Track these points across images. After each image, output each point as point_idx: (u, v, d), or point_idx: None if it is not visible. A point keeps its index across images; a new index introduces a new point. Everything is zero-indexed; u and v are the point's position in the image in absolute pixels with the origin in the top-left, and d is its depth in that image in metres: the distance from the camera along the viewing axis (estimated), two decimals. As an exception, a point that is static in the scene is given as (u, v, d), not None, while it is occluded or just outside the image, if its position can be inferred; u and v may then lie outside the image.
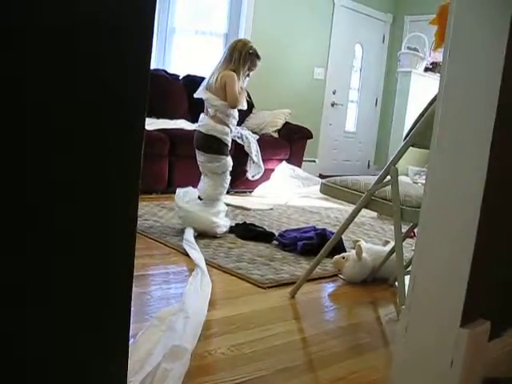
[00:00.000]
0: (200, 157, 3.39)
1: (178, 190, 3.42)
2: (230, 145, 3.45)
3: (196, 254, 2.77)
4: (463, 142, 1.42)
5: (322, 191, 2.43)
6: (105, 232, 0.91)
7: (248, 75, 3.51)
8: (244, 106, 3.49)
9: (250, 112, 6.06)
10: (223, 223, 3.38)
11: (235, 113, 3.43)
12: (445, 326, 1.45)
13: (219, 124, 3.36)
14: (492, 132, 1.35)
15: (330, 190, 2.37)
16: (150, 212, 3.78)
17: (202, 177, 3.44)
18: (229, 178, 3.47)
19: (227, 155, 3.42)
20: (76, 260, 0.88)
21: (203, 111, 3.44)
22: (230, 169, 3.46)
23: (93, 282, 0.91)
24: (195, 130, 3.49)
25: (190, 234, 3.15)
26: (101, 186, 0.89)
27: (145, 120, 0.95)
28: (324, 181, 2.44)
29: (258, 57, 3.49)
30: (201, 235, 3.21)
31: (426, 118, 1.98)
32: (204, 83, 3.44)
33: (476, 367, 1.47)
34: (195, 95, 3.46)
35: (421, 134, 2.02)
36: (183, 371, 1.52)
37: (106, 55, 0.85)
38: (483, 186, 1.38)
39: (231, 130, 3.43)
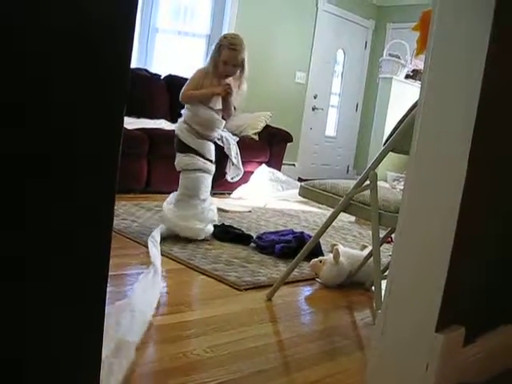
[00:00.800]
0: None
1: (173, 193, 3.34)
2: (190, 144, 3.24)
3: (155, 251, 2.76)
4: (442, 148, 1.43)
5: (300, 194, 2.43)
6: (79, 231, 0.90)
7: (238, 72, 3.27)
8: (216, 106, 3.28)
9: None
10: (195, 226, 3.19)
11: (201, 111, 3.24)
12: (420, 330, 1.46)
13: (181, 121, 3.28)
14: (471, 139, 1.36)
15: (309, 193, 2.37)
16: (128, 212, 3.75)
17: None
18: (191, 178, 3.23)
19: (182, 152, 3.25)
20: (51, 257, 0.87)
21: None
22: (189, 168, 3.23)
23: (67, 283, 0.90)
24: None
25: (157, 231, 3.12)
26: (75, 183, 0.88)
27: (123, 118, 0.93)
28: (303, 184, 2.44)
29: (228, 47, 3.21)
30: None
31: (406, 124, 1.99)
32: None
33: (450, 372, 1.47)
34: None
35: (401, 140, 2.03)
36: (126, 364, 1.51)
37: (84, 54, 0.84)
38: (461, 192, 1.39)
39: (196, 131, 3.23)
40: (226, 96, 3.24)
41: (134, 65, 5.74)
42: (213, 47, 3.28)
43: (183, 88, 3.22)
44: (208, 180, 3.31)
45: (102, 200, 0.92)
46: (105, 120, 0.90)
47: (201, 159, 3.25)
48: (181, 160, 3.25)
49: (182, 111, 3.29)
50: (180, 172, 3.26)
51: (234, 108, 3.41)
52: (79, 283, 0.91)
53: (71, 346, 0.92)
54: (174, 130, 3.43)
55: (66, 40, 0.82)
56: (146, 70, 5.53)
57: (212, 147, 3.34)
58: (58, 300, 0.89)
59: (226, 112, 3.34)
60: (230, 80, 3.25)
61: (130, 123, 4.64)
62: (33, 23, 0.78)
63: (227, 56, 3.20)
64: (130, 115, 4.71)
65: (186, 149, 3.24)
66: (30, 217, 0.83)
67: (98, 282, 0.95)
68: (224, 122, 3.38)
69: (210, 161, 3.31)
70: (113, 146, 0.92)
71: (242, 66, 3.26)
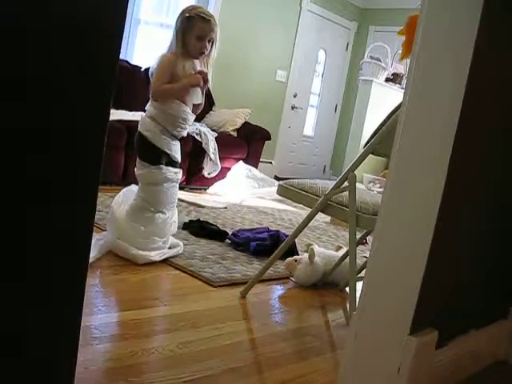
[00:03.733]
0: None
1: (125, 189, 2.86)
2: (163, 148, 2.68)
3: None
4: (424, 151, 1.43)
5: (278, 193, 2.43)
6: (63, 218, 0.88)
7: (206, 51, 2.70)
8: (199, 100, 2.78)
9: (210, 109, 6.03)
10: (150, 248, 2.62)
11: (174, 108, 2.67)
12: (394, 333, 1.46)
13: (147, 119, 2.69)
14: (453, 143, 1.37)
15: (287, 192, 2.37)
16: (103, 203, 3.71)
17: None
18: (157, 191, 2.69)
19: (152, 163, 2.67)
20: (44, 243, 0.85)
21: None
22: (159, 183, 2.69)
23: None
24: None
25: (94, 246, 2.50)
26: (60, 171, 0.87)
27: (109, 109, 0.92)
28: (281, 182, 2.44)
29: (202, 18, 2.63)
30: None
31: (388, 126, 2.00)
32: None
33: (423, 375, 1.48)
34: None
35: (382, 142, 2.04)
36: None
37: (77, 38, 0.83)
38: (440, 197, 1.40)
39: (167, 130, 2.68)
40: (204, 87, 2.74)
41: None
42: (178, 23, 2.65)
43: (153, 82, 2.65)
44: (176, 188, 2.79)
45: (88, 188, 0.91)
46: (91, 108, 0.89)
47: (171, 169, 2.71)
48: (149, 174, 2.66)
49: (147, 106, 2.71)
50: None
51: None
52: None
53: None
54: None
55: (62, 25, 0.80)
56: (126, 62, 5.49)
57: (179, 149, 2.80)
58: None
59: (199, 105, 2.83)
60: (197, 63, 2.72)
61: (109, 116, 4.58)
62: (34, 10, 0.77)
63: (201, 29, 2.63)
64: (108, 106, 4.66)
65: (156, 157, 2.66)
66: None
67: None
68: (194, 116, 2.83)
69: (180, 166, 2.81)
70: (98, 136, 0.91)
71: (213, 43, 2.72)
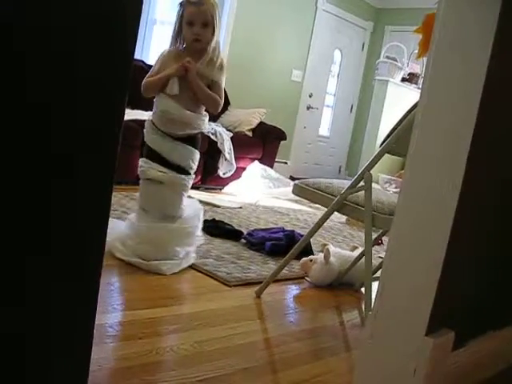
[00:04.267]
0: None
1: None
2: (150, 144, 2.61)
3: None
4: (440, 151, 1.42)
5: (294, 192, 2.42)
6: (79, 218, 0.88)
7: (200, 38, 2.49)
8: (173, 91, 2.50)
9: (226, 109, 6.03)
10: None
11: (158, 101, 2.57)
12: (410, 334, 1.45)
13: (148, 118, 2.68)
14: (470, 143, 1.36)
15: (303, 192, 2.36)
16: (119, 203, 3.73)
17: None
18: (141, 187, 2.65)
19: (142, 156, 2.66)
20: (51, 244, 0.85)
21: None
22: (141, 176, 2.62)
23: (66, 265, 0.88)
24: None
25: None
26: (76, 172, 0.87)
27: (124, 110, 0.92)
28: (297, 182, 2.43)
29: (191, 3, 2.48)
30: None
31: (405, 126, 1.98)
32: None
33: (438, 376, 1.47)
34: None
35: (398, 141, 2.02)
36: None
37: (88, 44, 0.83)
38: (458, 195, 1.38)
39: (157, 127, 2.58)
40: (186, 75, 2.47)
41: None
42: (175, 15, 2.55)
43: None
44: (167, 195, 2.55)
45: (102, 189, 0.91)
46: (106, 110, 0.89)
47: (155, 167, 2.53)
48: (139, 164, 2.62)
49: None
50: None
51: (216, 87, 2.56)
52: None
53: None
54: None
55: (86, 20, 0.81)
56: (142, 62, 5.50)
57: (181, 150, 2.56)
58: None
59: (199, 97, 2.54)
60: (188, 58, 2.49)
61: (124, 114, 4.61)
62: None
63: (191, 14, 2.47)
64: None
65: (147, 151, 2.62)
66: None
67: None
68: (197, 114, 2.57)
69: (177, 168, 2.55)
70: (113, 136, 0.91)
71: (212, 26, 2.49)
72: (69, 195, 0.87)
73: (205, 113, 2.63)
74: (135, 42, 0.89)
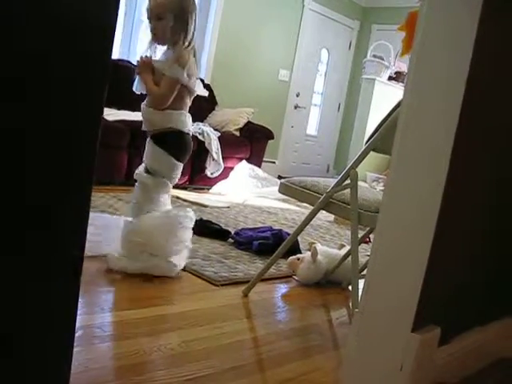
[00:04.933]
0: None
1: None
2: None
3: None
4: (424, 148, 1.43)
5: (280, 191, 2.42)
6: (57, 219, 0.88)
7: (156, 32, 2.47)
8: (135, 89, 2.54)
9: (213, 109, 6.03)
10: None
11: None
12: (396, 330, 1.46)
13: None
14: (453, 140, 1.37)
15: (289, 190, 2.36)
16: (106, 204, 3.72)
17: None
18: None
19: None
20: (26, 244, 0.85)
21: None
22: None
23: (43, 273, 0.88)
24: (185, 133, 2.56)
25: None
26: (53, 171, 0.86)
27: (102, 108, 0.92)
28: (283, 181, 2.43)
29: None
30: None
31: (389, 124, 1.99)
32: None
33: (425, 372, 1.48)
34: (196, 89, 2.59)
35: (382, 140, 2.03)
36: None
37: (64, 42, 0.83)
38: (441, 194, 1.39)
39: None
40: (140, 73, 2.48)
41: (116, 56, 5.70)
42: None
43: None
44: (138, 194, 2.51)
45: (79, 189, 0.90)
46: (82, 108, 0.88)
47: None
48: None
49: None
50: None
51: (162, 81, 2.43)
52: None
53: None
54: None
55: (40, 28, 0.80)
56: (128, 62, 5.49)
57: (148, 148, 2.52)
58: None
59: (148, 93, 2.49)
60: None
61: (111, 114, 4.60)
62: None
63: (147, 7, 2.43)
64: (110, 106, 4.67)
65: None
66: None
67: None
68: (148, 108, 2.49)
69: (147, 170, 2.51)
70: (90, 136, 0.90)
71: (168, 19, 2.40)
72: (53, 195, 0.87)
73: (176, 111, 2.49)
74: (112, 39, 0.88)
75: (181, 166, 2.55)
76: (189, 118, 2.56)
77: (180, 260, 2.48)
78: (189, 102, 2.56)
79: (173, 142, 2.50)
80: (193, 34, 2.48)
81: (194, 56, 2.53)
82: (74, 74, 0.84)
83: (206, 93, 5.82)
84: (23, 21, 0.77)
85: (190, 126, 2.57)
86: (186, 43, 2.45)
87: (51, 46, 0.81)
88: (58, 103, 0.84)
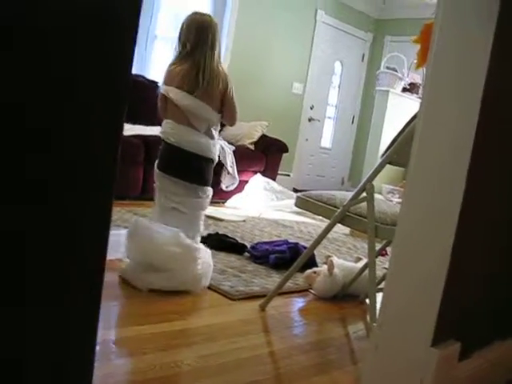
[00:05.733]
0: (177, 187, 2.62)
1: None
2: None
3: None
4: (441, 160, 1.42)
5: (296, 205, 2.42)
6: (77, 232, 0.88)
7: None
8: None
9: (228, 123, 6.05)
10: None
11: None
12: (416, 345, 1.44)
13: (211, 140, 2.68)
14: (471, 151, 1.36)
15: (305, 204, 2.36)
16: (122, 218, 3.73)
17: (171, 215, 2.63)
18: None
19: None
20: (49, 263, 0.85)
21: (170, 118, 2.66)
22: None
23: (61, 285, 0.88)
24: (171, 146, 2.62)
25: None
26: (75, 187, 0.87)
27: (122, 125, 0.92)
28: (300, 194, 2.42)
29: None
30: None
31: (405, 137, 1.98)
32: (171, 79, 2.66)
33: (445, 388, 1.46)
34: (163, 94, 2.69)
35: (399, 152, 2.02)
36: None
37: (85, 58, 0.83)
38: (460, 206, 1.38)
39: None
40: None
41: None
42: (208, 31, 2.66)
43: (236, 106, 2.82)
44: None
45: (101, 205, 0.90)
46: (104, 124, 0.89)
47: None
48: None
49: (203, 129, 2.70)
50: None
51: None
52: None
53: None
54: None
55: (64, 40, 0.81)
56: (143, 77, 5.53)
57: None
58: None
59: None
60: None
61: (126, 129, 4.62)
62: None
63: None
64: (126, 121, 4.68)
65: None
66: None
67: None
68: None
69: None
70: (111, 151, 0.91)
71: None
72: (75, 207, 0.87)
73: (164, 120, 2.74)
74: (132, 54, 0.89)
75: (160, 173, 2.64)
76: (172, 127, 2.63)
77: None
78: (174, 111, 2.64)
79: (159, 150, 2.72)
80: (183, 44, 2.66)
81: (198, 69, 2.61)
82: (95, 92, 0.85)
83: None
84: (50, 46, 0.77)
85: (178, 136, 2.61)
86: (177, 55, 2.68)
87: (77, 67, 0.82)
88: (80, 120, 0.84)
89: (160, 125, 2.73)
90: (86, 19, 0.82)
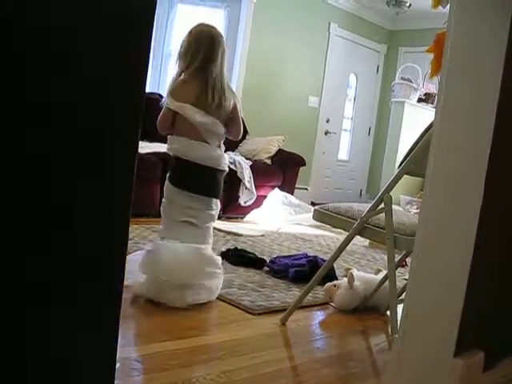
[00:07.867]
0: (193, 201, 2.62)
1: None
2: None
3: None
4: (458, 170, 1.41)
5: (314, 218, 2.42)
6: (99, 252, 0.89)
7: None
8: None
9: (244, 138, 6.07)
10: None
11: None
12: (438, 355, 1.43)
13: (221, 152, 2.72)
14: (487, 160, 1.35)
15: (323, 217, 2.35)
16: (140, 235, 3.75)
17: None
18: None
19: None
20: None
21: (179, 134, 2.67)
22: None
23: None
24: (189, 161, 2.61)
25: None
26: (97, 207, 0.88)
27: (138, 143, 0.93)
28: (317, 207, 2.42)
29: None
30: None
31: (421, 147, 1.98)
32: (176, 93, 2.72)
33: (469, 399, 1.44)
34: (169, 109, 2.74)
35: (416, 162, 2.02)
36: None
37: (105, 76, 0.85)
38: (478, 215, 1.37)
39: None
40: None
41: (147, 89, 5.79)
42: (219, 48, 2.66)
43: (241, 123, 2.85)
44: None
45: (118, 223, 0.91)
46: (120, 143, 0.90)
47: None
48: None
49: (216, 143, 2.72)
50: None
51: None
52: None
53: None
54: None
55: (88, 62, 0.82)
56: (158, 95, 5.57)
57: None
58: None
59: None
60: None
61: (143, 147, 4.65)
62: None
63: None
64: (142, 139, 4.73)
65: None
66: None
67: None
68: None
69: None
70: (127, 170, 0.92)
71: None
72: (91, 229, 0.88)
73: (171, 137, 2.76)
74: (146, 71, 0.90)
75: (175, 189, 2.67)
76: (188, 144, 2.63)
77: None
78: (188, 128, 2.63)
79: (170, 166, 2.78)
80: (192, 59, 2.63)
81: (212, 88, 2.62)
82: (111, 110, 0.86)
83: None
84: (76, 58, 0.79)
85: (194, 153, 2.62)
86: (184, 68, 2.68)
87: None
88: (95, 138, 0.86)
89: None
90: (95, 39, 0.84)
